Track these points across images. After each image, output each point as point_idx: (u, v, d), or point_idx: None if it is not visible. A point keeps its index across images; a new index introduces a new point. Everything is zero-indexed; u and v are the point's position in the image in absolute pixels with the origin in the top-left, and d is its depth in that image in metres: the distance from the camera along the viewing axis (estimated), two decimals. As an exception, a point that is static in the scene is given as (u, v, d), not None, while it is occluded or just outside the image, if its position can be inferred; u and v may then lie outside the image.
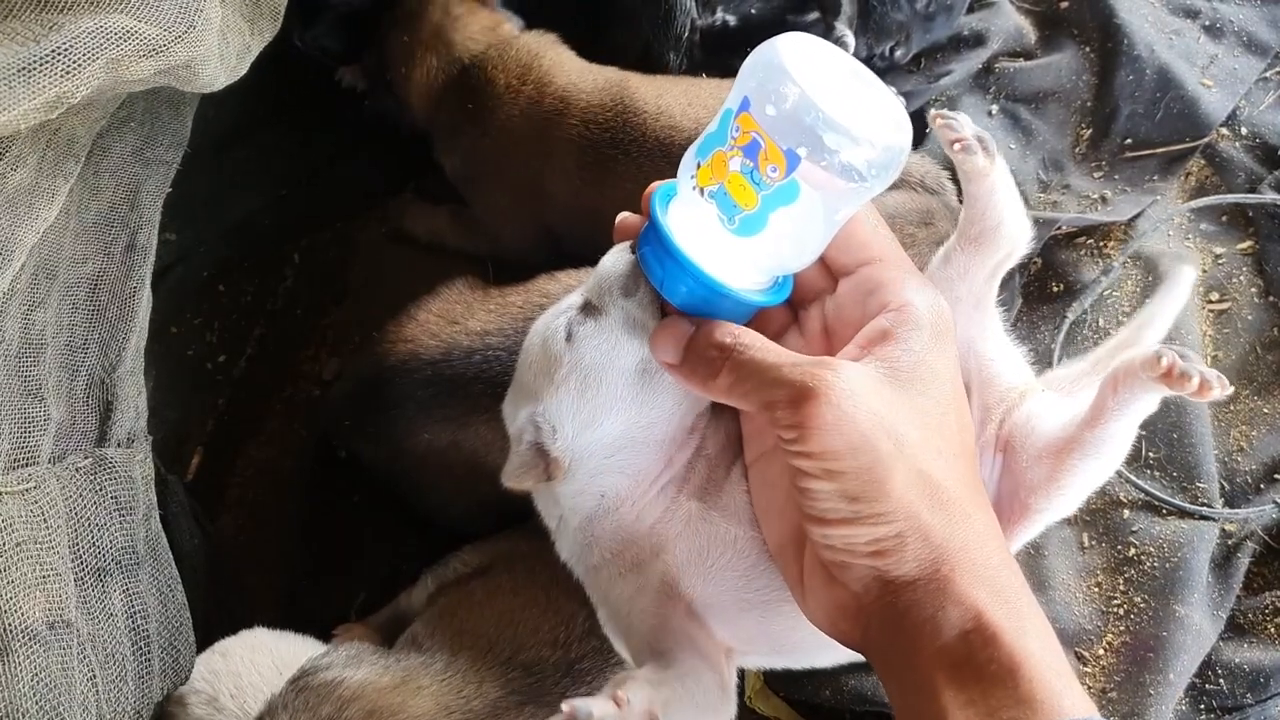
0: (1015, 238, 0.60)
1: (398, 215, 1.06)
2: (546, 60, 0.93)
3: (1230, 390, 0.53)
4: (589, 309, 0.55)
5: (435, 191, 1.06)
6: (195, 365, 1.01)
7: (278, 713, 0.66)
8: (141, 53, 0.45)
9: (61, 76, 0.43)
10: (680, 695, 0.50)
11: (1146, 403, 0.56)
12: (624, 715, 0.46)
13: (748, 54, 0.46)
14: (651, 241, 0.50)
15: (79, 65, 0.43)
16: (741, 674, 0.74)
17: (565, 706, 0.46)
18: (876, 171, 0.44)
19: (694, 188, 0.48)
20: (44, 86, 0.42)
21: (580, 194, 0.90)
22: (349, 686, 0.66)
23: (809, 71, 0.44)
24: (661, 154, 0.86)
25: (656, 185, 0.52)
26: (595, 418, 0.55)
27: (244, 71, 0.61)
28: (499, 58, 0.93)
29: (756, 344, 0.48)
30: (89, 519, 0.63)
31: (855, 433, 0.44)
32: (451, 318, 0.83)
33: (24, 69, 0.41)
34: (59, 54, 0.43)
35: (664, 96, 0.88)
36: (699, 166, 0.48)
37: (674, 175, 0.51)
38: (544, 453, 0.55)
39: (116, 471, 0.66)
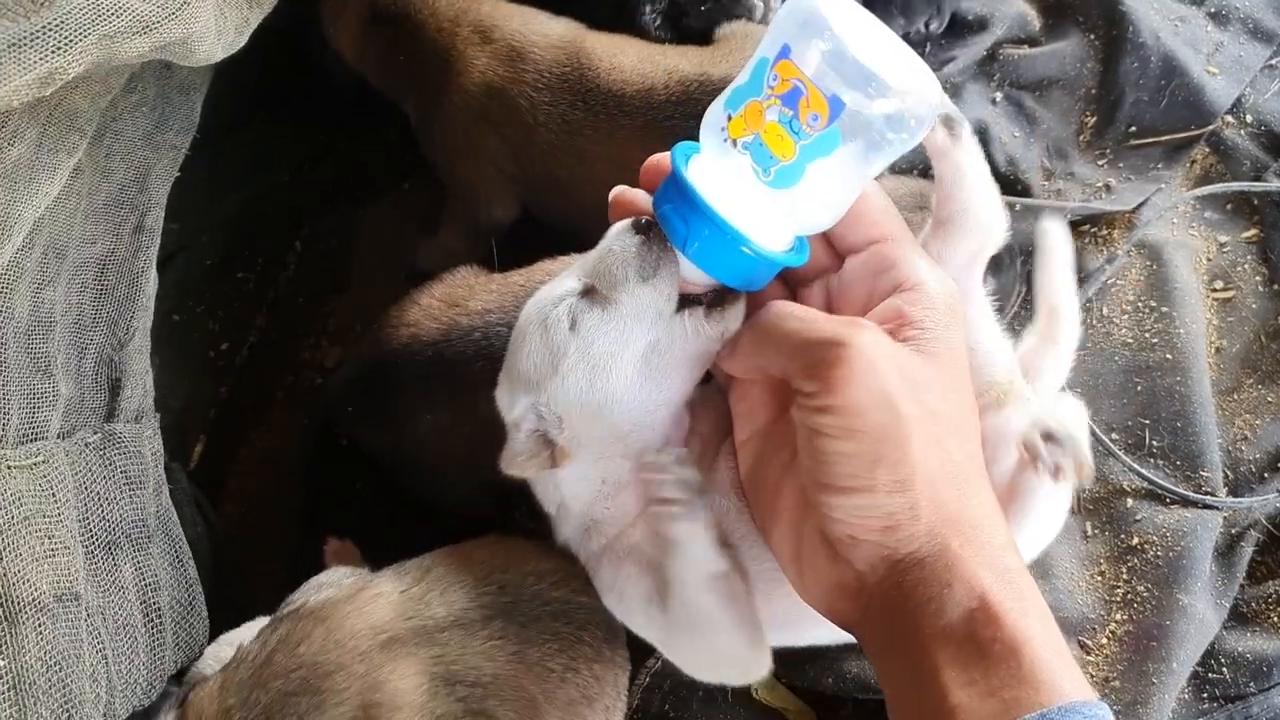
0: (988, 224, 0.57)
1: (409, 263, 1.04)
2: (486, 4, 0.90)
3: (1092, 476, 0.54)
4: (591, 294, 0.55)
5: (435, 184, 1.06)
6: (198, 353, 1.02)
7: (249, 644, 0.64)
8: (134, 29, 0.46)
9: (53, 52, 0.43)
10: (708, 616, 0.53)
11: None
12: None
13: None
14: (674, 199, 0.49)
15: (71, 41, 0.43)
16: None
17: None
18: (915, 123, 0.45)
19: (725, 139, 0.47)
20: (34, 62, 0.42)
21: (551, 153, 0.86)
22: (310, 606, 0.64)
23: (848, 23, 0.44)
24: (620, 112, 0.82)
25: (675, 147, 0.51)
26: (604, 405, 0.54)
27: (243, 44, 0.62)
28: (428, 5, 0.90)
29: (785, 310, 0.49)
30: (98, 493, 0.64)
31: (880, 389, 0.44)
32: (453, 301, 0.83)
33: (14, 44, 0.42)
34: (51, 30, 0.43)
35: (618, 55, 0.85)
36: (730, 119, 0.47)
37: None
38: (548, 441, 0.55)
39: (125, 447, 0.67)
